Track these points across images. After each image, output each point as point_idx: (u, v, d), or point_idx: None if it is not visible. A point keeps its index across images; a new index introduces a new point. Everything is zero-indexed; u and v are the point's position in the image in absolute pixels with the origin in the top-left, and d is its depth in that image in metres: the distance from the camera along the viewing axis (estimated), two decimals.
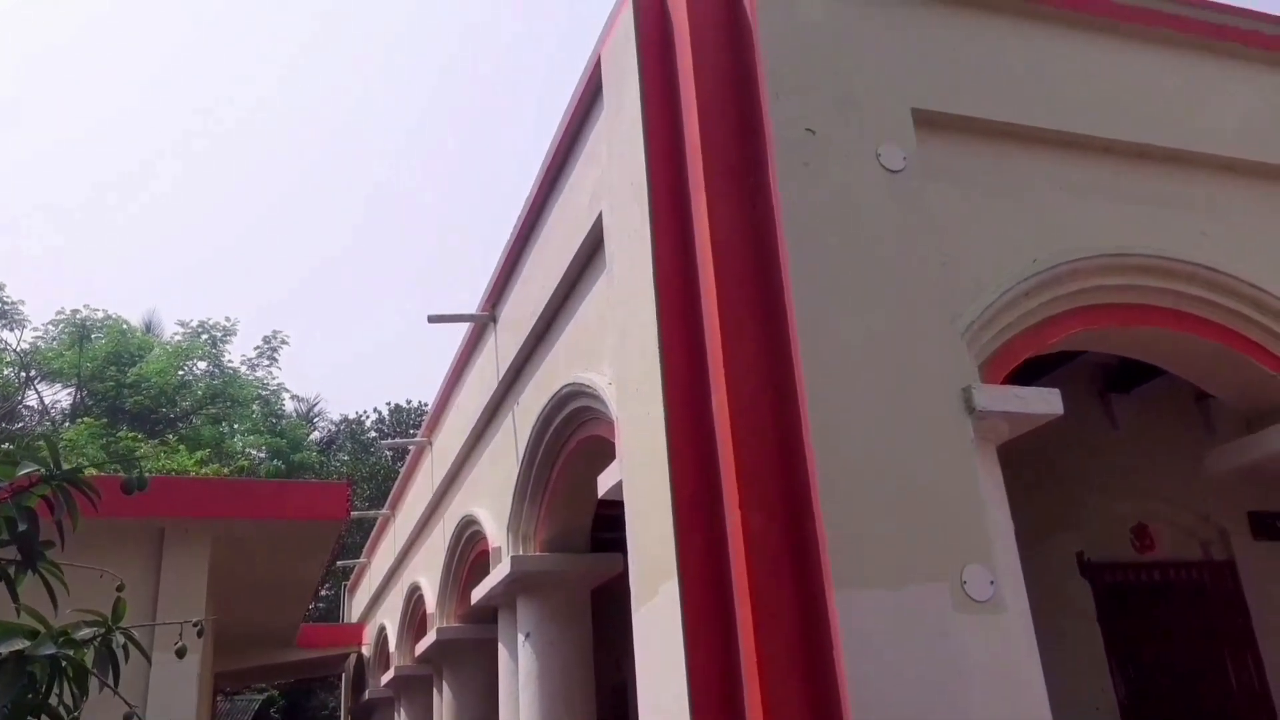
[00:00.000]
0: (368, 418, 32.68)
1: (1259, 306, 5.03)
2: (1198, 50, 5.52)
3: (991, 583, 3.87)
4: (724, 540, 3.94)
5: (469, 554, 8.68)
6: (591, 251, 5.54)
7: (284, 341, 26.87)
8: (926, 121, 4.63)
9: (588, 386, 5.52)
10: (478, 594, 7.66)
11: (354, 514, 13.30)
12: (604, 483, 5.14)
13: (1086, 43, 5.25)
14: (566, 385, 5.87)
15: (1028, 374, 6.87)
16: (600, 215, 5.21)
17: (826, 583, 3.64)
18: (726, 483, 3.97)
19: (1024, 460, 7.69)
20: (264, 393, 26.30)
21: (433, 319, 7.72)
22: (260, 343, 26.79)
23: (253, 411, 25.40)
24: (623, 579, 4.80)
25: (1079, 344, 5.22)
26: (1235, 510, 8.51)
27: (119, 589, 2.29)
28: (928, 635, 3.68)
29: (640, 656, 4.30)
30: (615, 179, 4.97)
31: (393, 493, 13.96)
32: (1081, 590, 7.98)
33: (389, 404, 32.59)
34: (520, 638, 6.78)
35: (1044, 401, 4.41)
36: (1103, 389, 8.70)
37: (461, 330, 8.53)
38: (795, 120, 4.33)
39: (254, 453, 24.93)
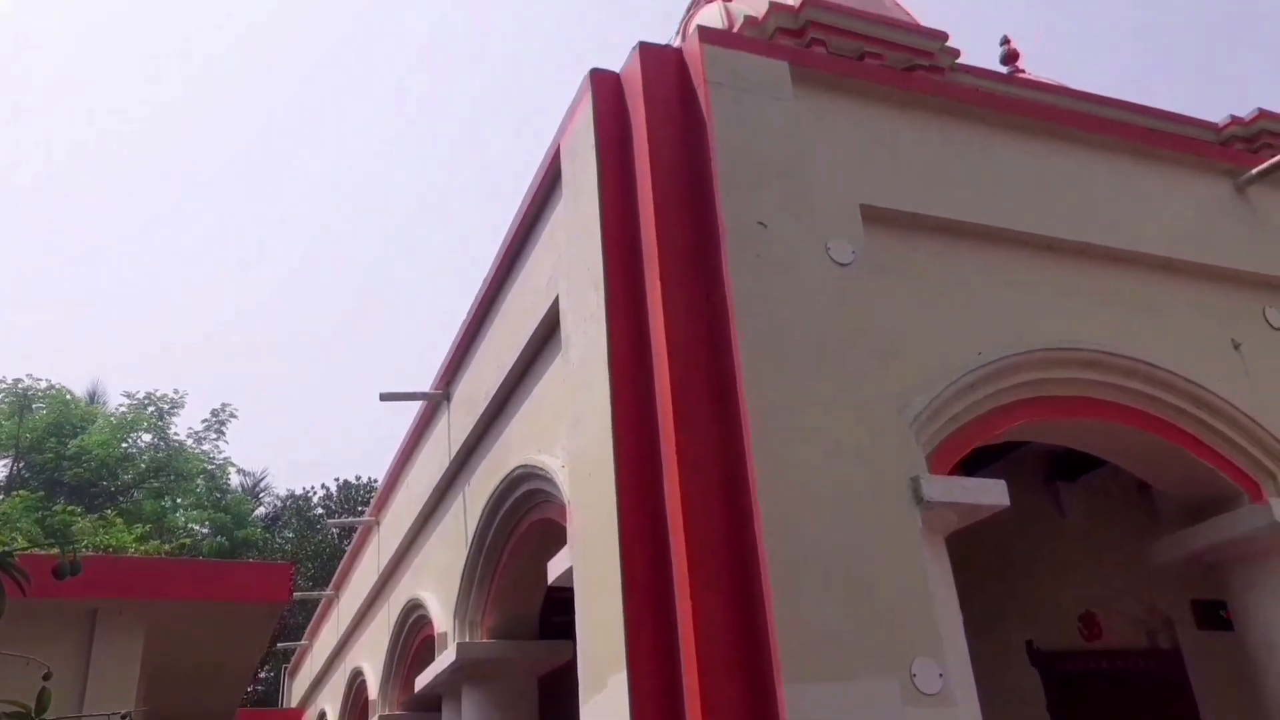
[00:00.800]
0: (315, 494, 32.02)
1: (1196, 401, 5.18)
2: (1135, 155, 5.78)
3: (941, 676, 3.86)
4: (674, 631, 3.90)
5: (414, 639, 8.46)
6: (547, 334, 5.57)
7: (233, 415, 26.36)
8: (875, 217, 4.77)
9: (540, 469, 5.48)
10: (421, 681, 7.45)
11: (296, 595, 12.94)
12: (554, 569, 5.08)
13: (1029, 144, 5.47)
14: (519, 467, 5.83)
15: (976, 462, 6.97)
16: (557, 298, 5.25)
17: (777, 676, 3.61)
18: (678, 571, 3.94)
19: (973, 549, 7.74)
20: (210, 466, 25.69)
21: (384, 397, 7.65)
22: (208, 415, 26.25)
23: (197, 486, 24.77)
24: (571, 666, 4.71)
25: (1025, 435, 5.33)
26: (1180, 599, 8.59)
27: (45, 677, 2.20)
28: None
29: None
30: (572, 264, 5.03)
31: (337, 573, 13.62)
32: (1031, 679, 7.97)
33: (338, 480, 31.97)
34: None
35: (990, 493, 4.47)
36: (1050, 477, 8.82)
37: (414, 408, 8.47)
38: (748, 213, 4.44)
39: (196, 528, 24.24)
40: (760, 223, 4.45)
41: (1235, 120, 10.12)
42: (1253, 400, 5.32)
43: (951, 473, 4.60)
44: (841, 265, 4.57)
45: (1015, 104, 5.80)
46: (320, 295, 58.87)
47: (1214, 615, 7.70)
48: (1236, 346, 5.46)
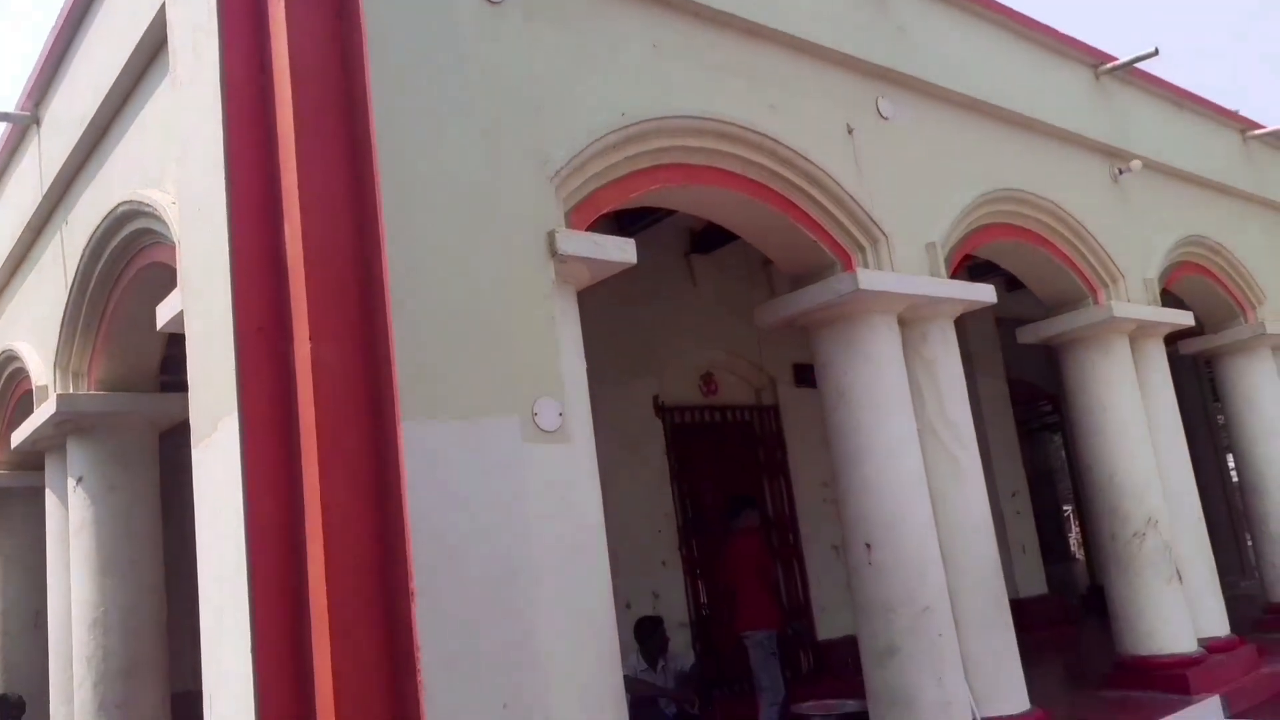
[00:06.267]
0: None
1: (810, 179, 5.63)
2: None
3: (560, 414, 4.09)
4: (292, 374, 3.76)
5: (10, 395, 7.56)
6: (154, 49, 4.82)
7: None
8: None
9: (148, 205, 4.90)
10: (19, 436, 6.75)
11: None
12: (163, 313, 4.68)
13: None
14: (123, 203, 5.17)
15: (623, 229, 7.23)
16: (163, 6, 4.54)
17: (396, 414, 3.63)
18: (296, 313, 3.76)
19: (614, 313, 8.20)
20: None
21: None
22: None
23: None
24: None
25: (660, 200, 5.55)
26: (783, 362, 9.81)
27: None
28: (496, 464, 3.82)
29: (198, 497, 4.05)
30: None
31: None
32: (655, 429, 8.83)
33: None
34: (71, 482, 6.11)
35: (620, 250, 4.64)
36: (688, 250, 9.45)
37: None
38: None
39: None
40: None
41: None
42: (857, 183, 5.89)
43: (589, 230, 4.71)
44: (492, 3, 4.34)
45: None
46: None
47: (807, 376, 8.82)
48: (850, 131, 5.97)
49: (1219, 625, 7.70)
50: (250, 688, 3.54)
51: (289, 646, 3.60)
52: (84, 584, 5.96)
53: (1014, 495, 11.54)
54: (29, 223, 6.62)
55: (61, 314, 6.08)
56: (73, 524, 6.10)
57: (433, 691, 3.43)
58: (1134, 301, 7.65)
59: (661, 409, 8.91)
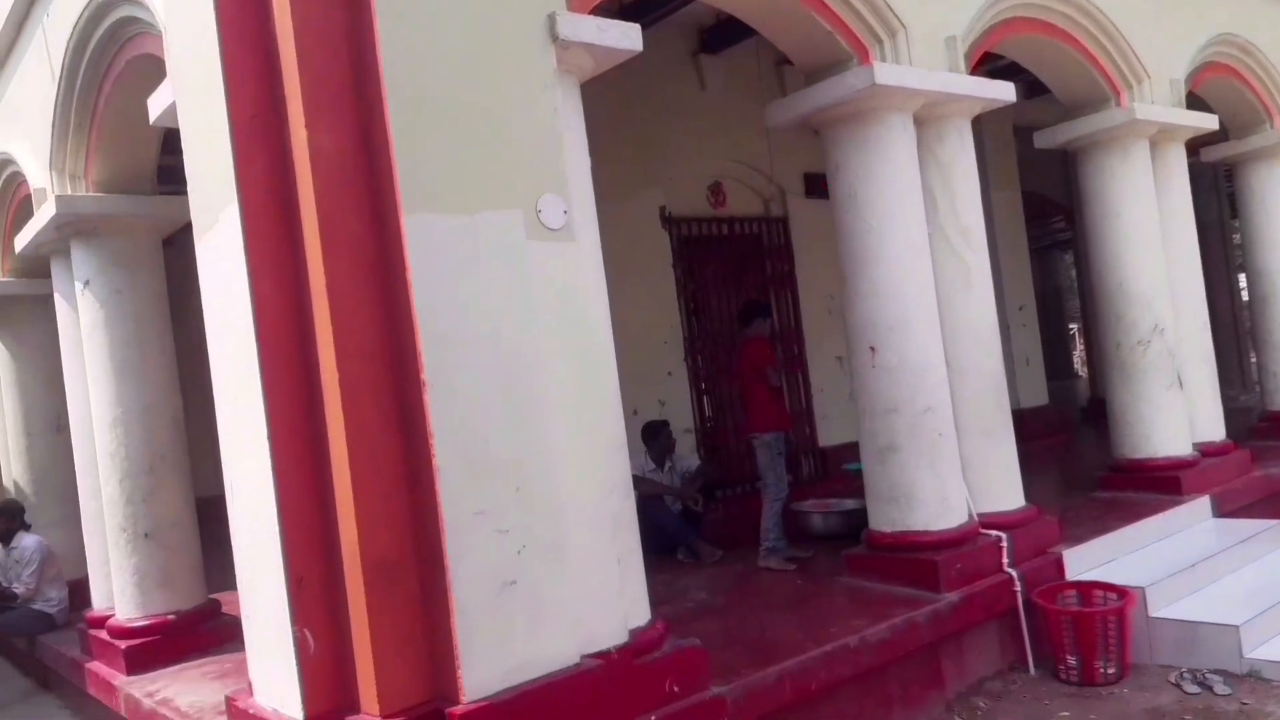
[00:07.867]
0: None
1: None
2: None
3: (565, 212, 4.00)
4: (290, 164, 3.67)
5: (9, 200, 7.44)
6: None
7: None
8: None
9: None
10: (22, 240, 6.70)
11: None
12: (155, 105, 4.53)
13: None
14: None
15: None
16: None
17: (398, 207, 3.56)
18: (291, 103, 3.62)
19: (620, 119, 7.97)
20: None
21: None
22: None
23: None
24: None
25: None
26: (794, 172, 9.60)
27: None
28: (499, 260, 3.77)
29: (204, 290, 4.04)
30: None
31: None
32: (661, 240, 8.75)
33: None
34: (79, 286, 6.11)
35: (626, 36, 4.40)
36: (696, 50, 9.07)
37: None
38: None
39: None
40: None
41: None
42: None
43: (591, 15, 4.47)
44: None
45: None
46: None
47: (817, 187, 8.67)
48: None
49: (1215, 431, 7.84)
50: (269, 476, 3.64)
51: (304, 434, 3.68)
52: (100, 385, 6.07)
53: (1021, 309, 11.54)
54: (9, 17, 6.33)
55: (52, 114, 5.91)
56: (84, 327, 6.15)
57: (447, 475, 3.51)
58: (1158, 104, 7.38)
59: (668, 220, 8.79)
